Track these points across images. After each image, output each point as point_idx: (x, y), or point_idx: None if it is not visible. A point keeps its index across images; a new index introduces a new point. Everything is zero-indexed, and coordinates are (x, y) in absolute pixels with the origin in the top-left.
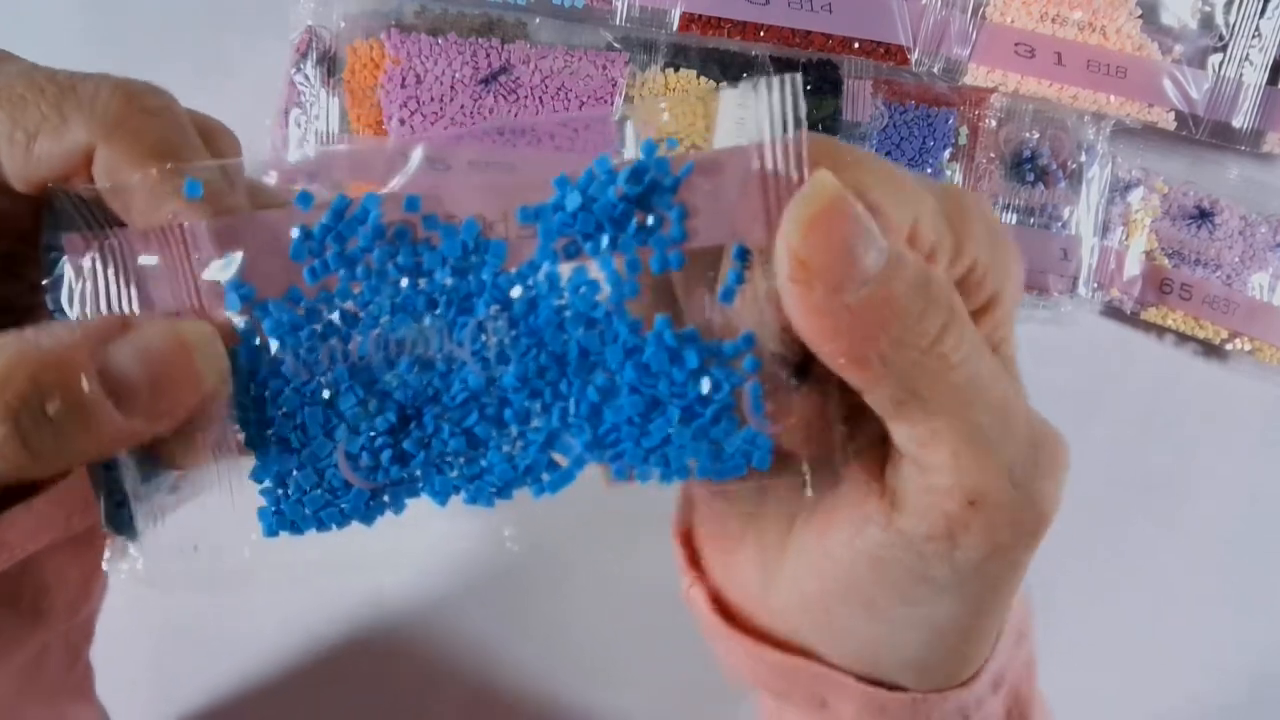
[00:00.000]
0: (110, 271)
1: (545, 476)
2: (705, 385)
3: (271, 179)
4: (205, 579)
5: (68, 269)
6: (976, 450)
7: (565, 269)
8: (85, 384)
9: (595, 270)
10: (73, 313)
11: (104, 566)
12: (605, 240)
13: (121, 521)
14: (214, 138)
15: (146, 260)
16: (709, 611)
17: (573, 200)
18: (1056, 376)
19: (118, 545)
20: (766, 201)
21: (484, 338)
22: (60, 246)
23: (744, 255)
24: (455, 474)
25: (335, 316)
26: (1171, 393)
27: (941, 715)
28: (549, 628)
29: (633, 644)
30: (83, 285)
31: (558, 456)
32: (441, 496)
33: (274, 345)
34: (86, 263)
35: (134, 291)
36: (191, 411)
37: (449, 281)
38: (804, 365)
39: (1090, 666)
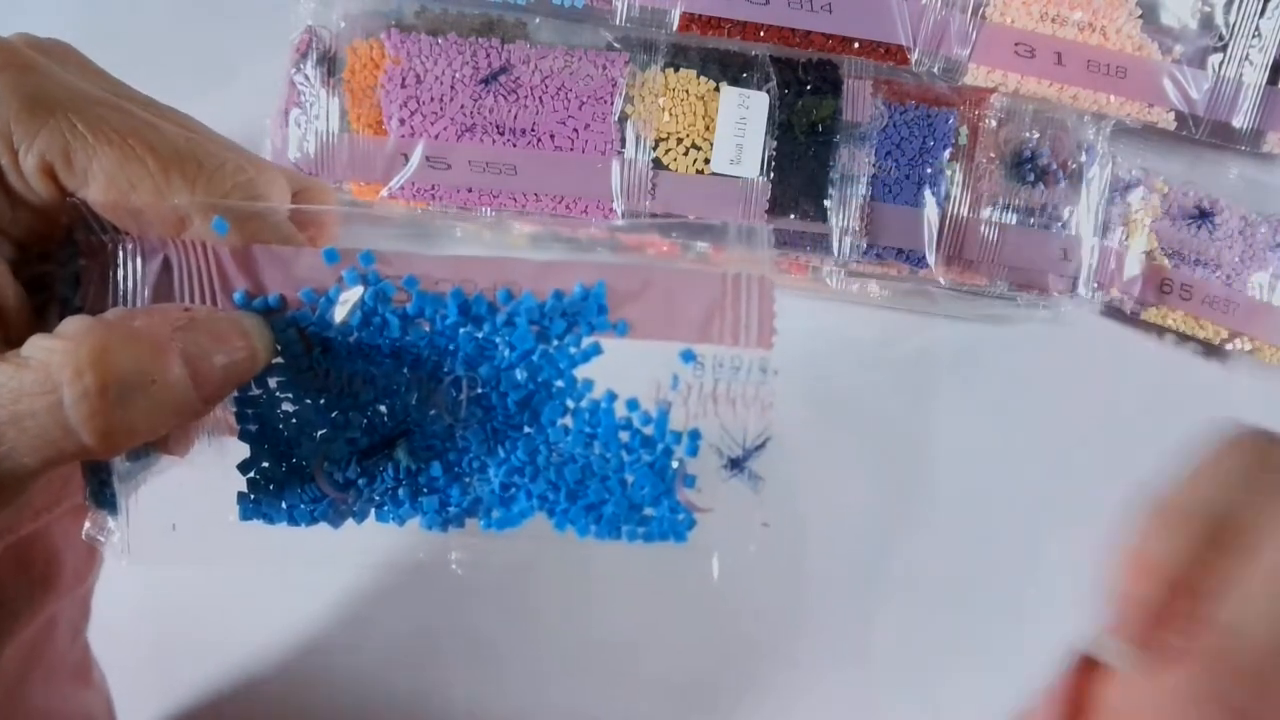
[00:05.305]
0: (129, 270)
1: (495, 514)
2: (644, 461)
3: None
4: (182, 555)
5: (94, 267)
6: None
7: (530, 347)
8: (176, 367)
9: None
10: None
11: (83, 537)
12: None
13: (103, 497)
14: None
15: (164, 262)
16: None
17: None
18: (1056, 376)
19: (98, 519)
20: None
21: (456, 394)
22: (87, 248)
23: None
24: (414, 502)
25: (335, 352)
26: (1171, 393)
27: None
28: (551, 626)
29: (636, 643)
30: (113, 278)
31: (507, 500)
32: (400, 519)
33: (285, 356)
34: (119, 261)
35: (148, 292)
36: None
37: (433, 341)
38: (736, 460)
39: None
